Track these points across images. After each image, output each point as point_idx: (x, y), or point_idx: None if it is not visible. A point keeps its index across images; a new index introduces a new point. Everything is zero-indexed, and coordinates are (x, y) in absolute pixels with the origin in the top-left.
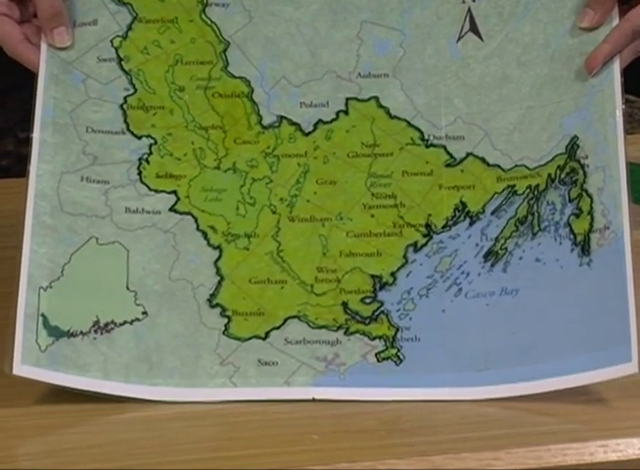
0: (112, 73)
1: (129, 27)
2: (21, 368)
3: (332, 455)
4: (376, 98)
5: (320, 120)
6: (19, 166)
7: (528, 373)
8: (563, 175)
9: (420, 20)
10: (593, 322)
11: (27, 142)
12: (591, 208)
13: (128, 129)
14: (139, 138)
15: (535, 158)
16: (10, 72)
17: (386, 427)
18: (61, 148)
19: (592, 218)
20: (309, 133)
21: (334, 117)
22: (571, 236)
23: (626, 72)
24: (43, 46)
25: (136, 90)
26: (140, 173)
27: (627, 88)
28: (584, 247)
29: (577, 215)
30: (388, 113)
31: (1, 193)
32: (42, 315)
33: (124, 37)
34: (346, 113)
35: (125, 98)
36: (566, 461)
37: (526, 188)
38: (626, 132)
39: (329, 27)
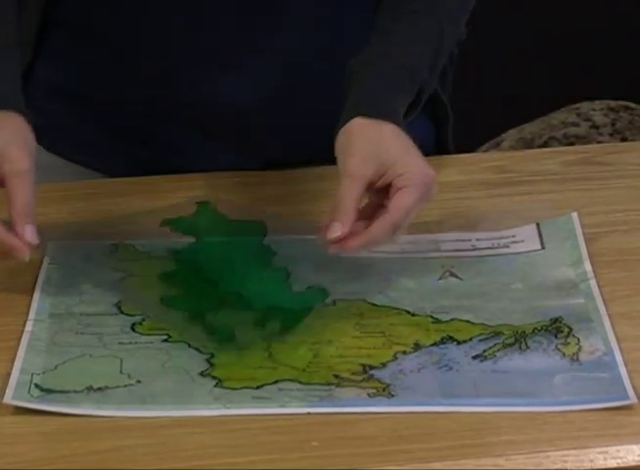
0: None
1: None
2: (11, 401)
3: (332, 462)
4: (362, 299)
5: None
6: None
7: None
8: (548, 329)
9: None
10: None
11: None
12: (578, 342)
13: (122, 313)
14: (132, 316)
15: (519, 323)
16: None
17: (385, 434)
18: (55, 323)
19: (580, 348)
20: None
21: (322, 306)
22: (560, 354)
23: (627, 79)
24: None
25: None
26: (133, 328)
27: (628, 96)
28: (573, 358)
29: (565, 345)
30: (374, 304)
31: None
32: (35, 384)
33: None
34: (334, 304)
35: (118, 303)
36: (565, 468)
37: (512, 333)
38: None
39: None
